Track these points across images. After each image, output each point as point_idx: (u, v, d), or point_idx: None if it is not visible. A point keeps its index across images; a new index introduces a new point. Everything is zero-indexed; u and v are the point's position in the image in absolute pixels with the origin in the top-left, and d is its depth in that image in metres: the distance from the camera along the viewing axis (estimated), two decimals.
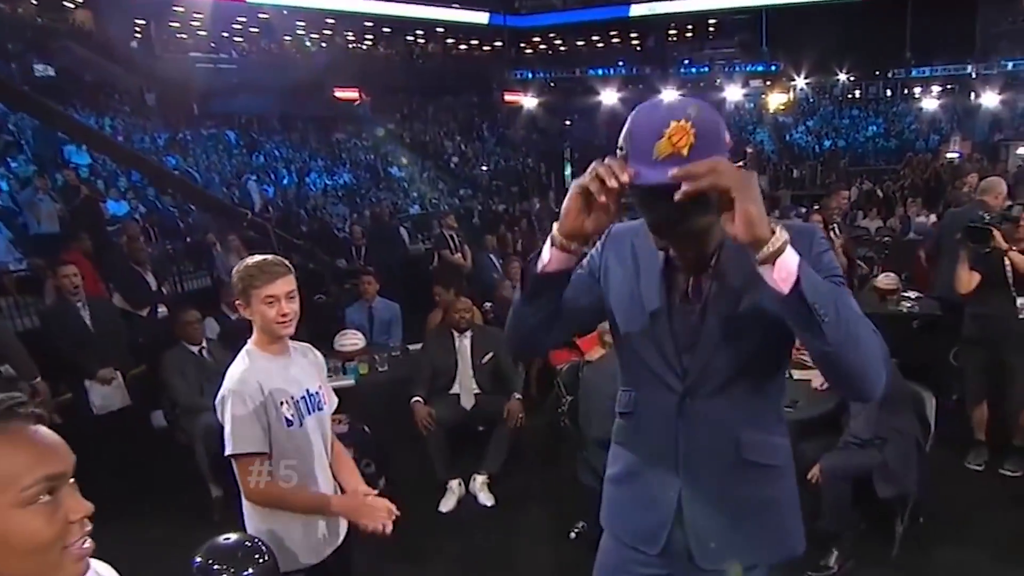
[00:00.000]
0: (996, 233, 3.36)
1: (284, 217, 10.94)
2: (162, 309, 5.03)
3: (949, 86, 22.69)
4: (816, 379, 3.42)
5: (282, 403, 1.78)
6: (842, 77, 25.23)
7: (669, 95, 1.14)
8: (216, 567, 1.25)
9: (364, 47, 32.20)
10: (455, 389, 3.78)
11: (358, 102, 27.51)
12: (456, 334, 3.80)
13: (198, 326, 3.96)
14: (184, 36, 28.56)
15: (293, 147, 22.15)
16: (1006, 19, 23.84)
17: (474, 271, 7.15)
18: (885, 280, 5.05)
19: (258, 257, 1.83)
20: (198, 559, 1.26)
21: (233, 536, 1.40)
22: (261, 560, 1.31)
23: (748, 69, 24.62)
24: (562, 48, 32.51)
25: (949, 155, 17.50)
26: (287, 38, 30.45)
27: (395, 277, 7.15)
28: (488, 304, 5.40)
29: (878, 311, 4.75)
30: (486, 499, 3.56)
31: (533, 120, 24.58)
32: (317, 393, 1.89)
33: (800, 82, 25.09)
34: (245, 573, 1.26)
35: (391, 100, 27.70)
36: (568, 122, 25.05)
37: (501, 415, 3.65)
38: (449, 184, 20.72)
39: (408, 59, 31.51)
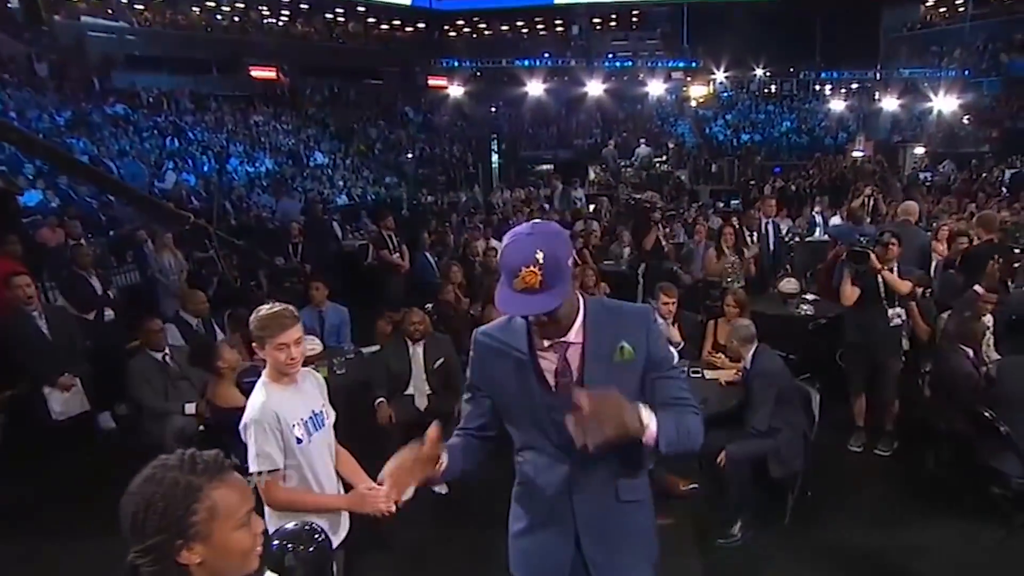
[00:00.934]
0: (872, 255, 4.01)
1: (210, 210, 10.68)
2: (108, 312, 5.03)
3: (856, 86, 24.56)
4: (723, 377, 3.99)
5: (294, 426, 2.09)
6: (759, 72, 26.70)
7: (524, 237, 1.52)
8: (290, 545, 1.57)
9: (280, 23, 30.91)
10: (410, 391, 4.12)
11: (276, 82, 26.41)
12: (410, 343, 4.13)
13: (161, 334, 4.08)
14: (77, 0, 26.45)
15: (208, 129, 20.99)
16: (904, 26, 26.10)
17: (413, 271, 7.37)
18: (787, 285, 5.70)
19: (273, 308, 2.11)
20: (275, 542, 1.58)
21: (292, 523, 1.73)
22: (319, 538, 1.65)
23: (670, 64, 25.64)
24: (487, 32, 32.49)
25: (855, 153, 19.14)
26: (195, 9, 28.83)
27: (331, 273, 7.28)
28: (429, 305, 5.68)
29: (779, 313, 5.42)
30: (440, 488, 3.93)
31: (459, 107, 24.61)
32: (320, 412, 2.21)
33: (720, 75, 26.33)
34: (311, 548, 1.60)
35: (310, 81, 26.78)
36: (494, 109, 25.24)
37: (451, 414, 4.02)
38: (374, 172, 20.45)
39: (328, 38, 30.53)
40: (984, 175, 14.31)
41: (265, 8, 29.95)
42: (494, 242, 8.56)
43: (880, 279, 3.99)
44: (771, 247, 6.74)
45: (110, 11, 26.64)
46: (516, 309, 1.56)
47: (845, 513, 3.76)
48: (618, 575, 1.77)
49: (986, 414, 3.33)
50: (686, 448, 1.64)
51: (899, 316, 4.03)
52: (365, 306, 5.91)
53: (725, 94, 25.67)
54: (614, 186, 14.81)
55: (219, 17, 29.81)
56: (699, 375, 4.03)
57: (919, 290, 4.55)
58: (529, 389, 1.70)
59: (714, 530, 3.51)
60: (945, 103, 19.07)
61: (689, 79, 25.29)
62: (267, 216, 11.22)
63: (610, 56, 26.93)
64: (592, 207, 12.46)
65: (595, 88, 23.25)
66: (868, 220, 7.79)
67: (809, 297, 5.72)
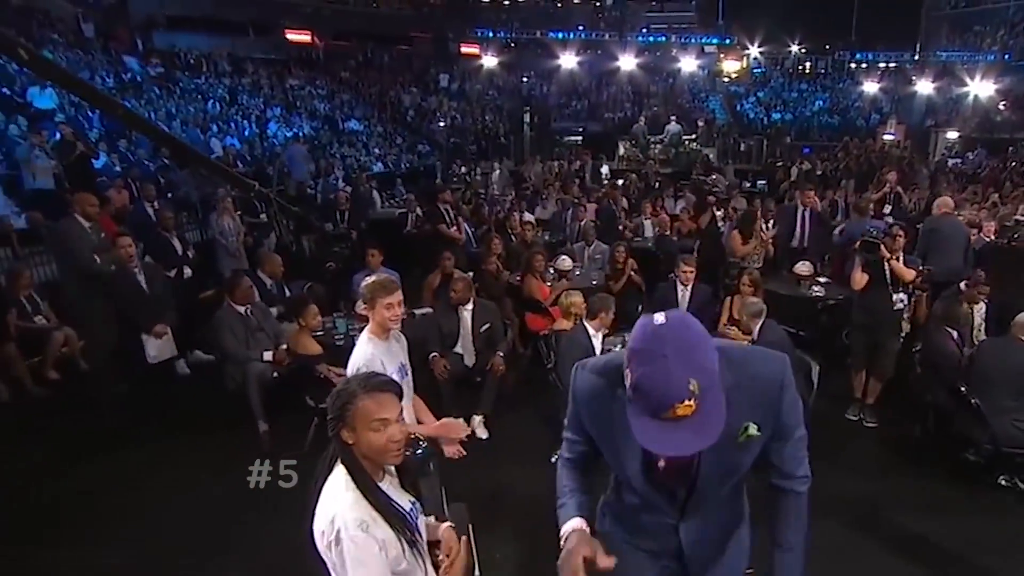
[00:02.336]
0: (882, 246, 4.45)
1: (255, 175, 11.28)
2: (187, 270, 5.68)
3: (892, 64, 24.20)
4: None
5: (392, 373, 2.66)
6: (794, 49, 26.39)
7: (667, 363, 1.23)
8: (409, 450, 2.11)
9: None
10: (458, 349, 4.73)
11: (311, 45, 26.68)
12: (461, 307, 4.73)
13: (251, 291, 4.71)
14: None
15: (246, 92, 21.49)
16: (948, 4, 25.53)
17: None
18: (801, 267, 6.15)
19: (380, 276, 2.68)
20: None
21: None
22: (423, 443, 2.21)
23: (703, 40, 25.47)
24: (521, 1, 32.33)
25: (886, 136, 19.07)
26: None
27: (375, 240, 7.85)
28: (471, 274, 6.24)
29: (793, 293, 5.89)
30: (482, 433, 4.56)
31: (491, 77, 24.79)
32: (406, 364, 2.81)
33: (754, 51, 26.09)
34: (418, 450, 2.13)
35: (345, 46, 27.00)
36: (526, 79, 25.40)
37: (491, 369, 4.64)
38: (407, 139, 20.88)
39: (362, 2, 30.64)
40: (1014, 163, 14.31)
41: None
42: (527, 215, 9.06)
43: (887, 267, 4.43)
44: (805, 236, 6.94)
45: None
46: (671, 448, 1.31)
47: (839, 470, 4.26)
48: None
49: (962, 388, 3.81)
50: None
51: (902, 300, 4.48)
52: (407, 272, 6.50)
53: (758, 70, 25.47)
54: (643, 161, 15.10)
55: None
56: None
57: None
58: (630, 463, 1.58)
59: None
60: (981, 88, 18.83)
61: (722, 55, 25.08)
62: (310, 184, 11.78)
63: (643, 30, 26.73)
64: (621, 182, 12.81)
65: (628, 62, 23.27)
66: (890, 209, 8.04)
67: (822, 280, 6.17)
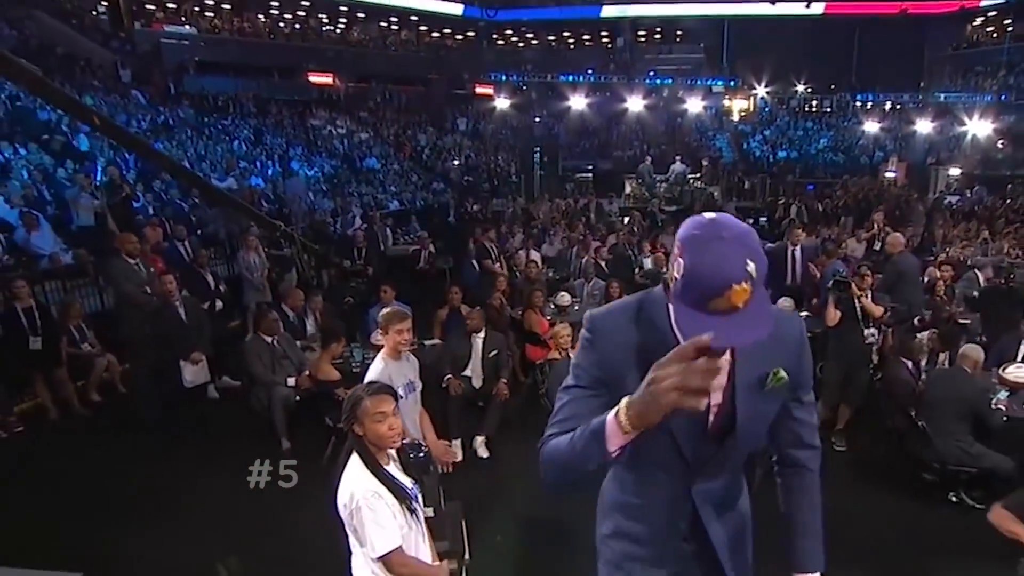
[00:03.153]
0: (853, 284, 4.93)
1: (280, 213, 11.99)
2: (219, 303, 6.28)
3: (895, 105, 24.92)
4: None
5: (398, 387, 3.18)
6: (800, 88, 27.24)
7: (723, 242, 1.18)
8: (410, 450, 2.60)
9: (338, 31, 32.42)
10: (467, 373, 5.28)
11: (332, 87, 27.84)
12: (474, 335, 5.32)
13: (277, 323, 5.27)
14: (153, 7, 28.35)
15: (269, 132, 22.47)
16: (950, 45, 26.29)
17: (461, 277, 8.47)
18: (784, 303, 6.56)
19: (394, 308, 3.23)
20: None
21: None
22: (425, 448, 2.72)
23: (709, 82, 26.35)
24: (535, 43, 33.57)
25: (887, 174, 19.64)
26: (260, 17, 30.54)
27: (389, 275, 8.42)
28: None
29: None
30: (484, 453, 5.04)
31: (504, 117, 25.73)
32: (413, 382, 3.33)
33: (761, 90, 26.96)
34: (421, 453, 2.65)
35: (365, 87, 28.09)
36: (537, 119, 26.32)
37: (494, 393, 5.15)
38: (422, 177, 21.67)
39: (382, 46, 31.85)
40: (1008, 200, 14.70)
41: (325, 16, 31.54)
42: (534, 253, 9.59)
43: (858, 304, 4.89)
44: (797, 274, 7.41)
45: (183, 19, 28.57)
46: (728, 338, 1.17)
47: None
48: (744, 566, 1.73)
49: (912, 414, 4.23)
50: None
51: (872, 335, 4.93)
52: (418, 305, 7.05)
53: (765, 109, 26.21)
54: (648, 199, 15.68)
55: (282, 24, 31.50)
56: None
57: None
58: None
59: None
60: (980, 127, 19.35)
61: (729, 95, 25.91)
62: (328, 221, 12.47)
63: (651, 73, 27.68)
64: (626, 219, 13.36)
65: (635, 104, 24.11)
66: (880, 247, 8.42)
67: (802, 314, 6.59)
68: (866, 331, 4.90)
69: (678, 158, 18.14)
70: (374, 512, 2.16)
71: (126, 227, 7.98)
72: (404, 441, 2.47)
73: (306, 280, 7.76)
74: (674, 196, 16.35)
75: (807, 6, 24.25)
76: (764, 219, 14.27)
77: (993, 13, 24.75)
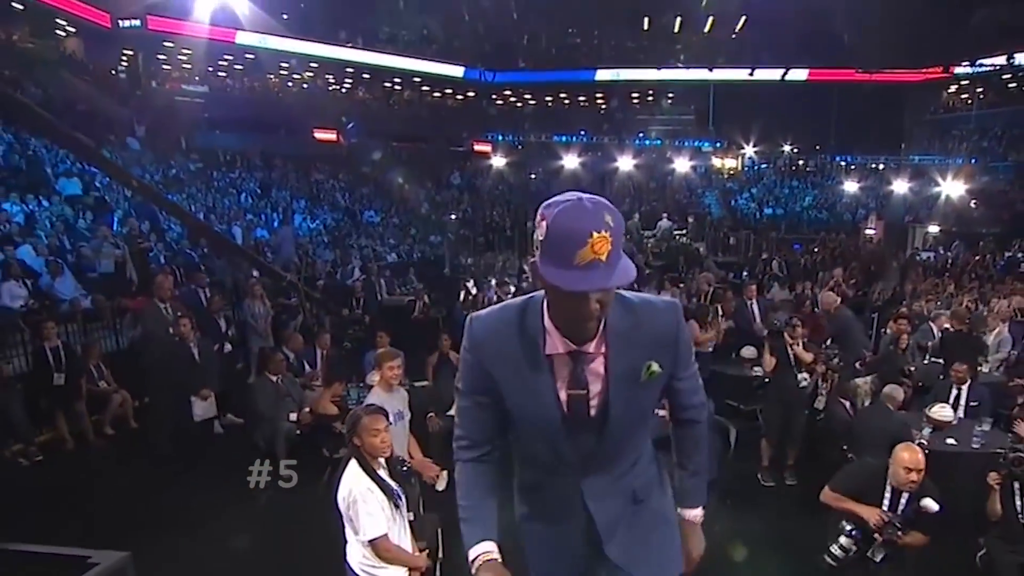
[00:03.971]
0: (786, 334, 5.52)
1: (283, 264, 12.63)
2: (228, 346, 6.85)
3: (875, 166, 26.27)
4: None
5: (388, 416, 3.74)
6: (786, 149, 28.57)
7: (582, 202, 1.33)
8: (397, 465, 3.15)
9: (344, 90, 33.80)
10: (451, 413, 5.79)
11: (336, 144, 28.99)
12: None
13: (282, 363, 5.84)
14: (169, 68, 29.77)
15: (275, 186, 23.39)
16: (928, 109, 27.74)
17: (451, 326, 9.03)
18: (747, 351, 7.15)
19: (387, 348, 3.83)
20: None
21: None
22: (408, 465, 3.26)
23: (696, 144, 27.64)
24: (532, 103, 35.12)
25: (867, 231, 20.56)
26: (271, 77, 32.00)
27: (384, 323, 8.98)
28: None
29: (737, 373, 6.89)
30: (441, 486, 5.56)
31: (500, 174, 26.82)
32: (402, 411, 3.89)
33: (749, 150, 28.26)
34: (405, 467, 3.19)
35: (367, 143, 29.22)
36: (533, 176, 27.43)
37: None
38: (420, 230, 22.48)
39: (385, 104, 33.14)
40: (978, 257, 15.43)
41: (331, 76, 33.02)
42: None
43: (791, 351, 5.47)
44: (753, 323, 8.09)
45: (197, 78, 29.96)
46: (593, 283, 1.31)
47: (754, 512, 5.16)
48: (649, 570, 1.73)
49: (843, 447, 4.76)
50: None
51: (805, 379, 5.47)
52: (411, 351, 7.62)
53: (752, 168, 27.39)
54: (635, 254, 16.41)
55: (290, 84, 33.00)
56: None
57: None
58: (542, 398, 1.56)
59: None
60: (953, 187, 20.37)
61: (718, 154, 27.15)
62: (329, 271, 13.13)
63: (640, 134, 29.01)
64: None
65: (626, 163, 25.26)
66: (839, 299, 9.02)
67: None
68: (799, 376, 5.44)
69: (665, 215, 18.99)
70: (367, 504, 2.71)
71: (143, 275, 8.65)
72: (400, 460, 3.05)
73: (308, 326, 8.34)
74: (660, 251, 17.09)
75: (782, 78, 25.72)
76: (746, 274, 14.92)
77: (966, 81, 26.23)
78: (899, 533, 3.40)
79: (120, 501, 5.30)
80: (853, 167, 26.32)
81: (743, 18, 30.38)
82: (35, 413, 6.39)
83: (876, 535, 3.43)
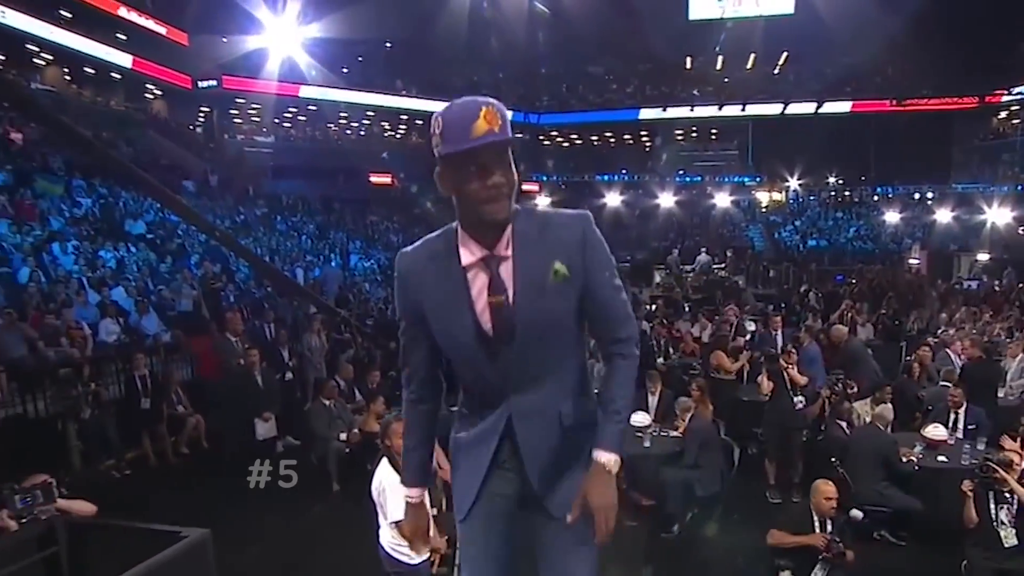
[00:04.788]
0: (781, 359, 5.97)
1: (338, 301, 13.66)
2: (288, 375, 7.75)
3: (920, 196, 25.97)
4: (678, 432, 5.95)
5: None
6: (832, 180, 28.52)
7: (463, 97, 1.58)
8: None
9: (398, 136, 35.62)
10: None
11: (391, 187, 30.55)
12: None
13: (335, 390, 6.66)
14: (240, 121, 32.24)
15: (332, 228, 24.85)
16: (977, 136, 27.27)
17: None
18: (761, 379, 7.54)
19: None
20: None
21: None
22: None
23: (735, 179, 27.94)
24: (578, 142, 36.16)
25: (911, 260, 20.32)
26: (331, 126, 34.13)
27: None
28: None
29: (752, 398, 7.26)
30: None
31: None
32: None
33: (793, 183, 28.35)
34: None
35: (420, 186, 30.58)
36: None
37: None
38: None
39: None
40: (1021, 285, 15.11)
41: (387, 123, 34.95)
42: None
43: (786, 375, 5.90)
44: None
45: (264, 129, 32.31)
46: (483, 140, 1.47)
47: (760, 527, 5.52)
48: (567, 506, 1.68)
49: (837, 464, 5.16)
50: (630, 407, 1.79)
51: (800, 401, 5.88)
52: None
53: (796, 201, 27.40)
54: (674, 288, 16.82)
55: (348, 132, 35.08)
56: (666, 434, 6.00)
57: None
58: (460, 312, 1.63)
59: (660, 528, 5.46)
60: (999, 215, 19.99)
61: (760, 190, 27.33)
62: (380, 307, 14.06)
63: (680, 171, 29.51)
64: (652, 307, 14.48)
65: (667, 200, 25.77)
66: (847, 330, 9.31)
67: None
68: (795, 398, 5.85)
69: (703, 250, 19.34)
70: (394, 494, 3.37)
71: (215, 313, 9.73)
72: None
73: (359, 358, 9.17)
74: (699, 285, 17.42)
75: (815, 112, 25.84)
76: (783, 305, 15.07)
77: (1016, 107, 25.73)
78: (842, 546, 3.99)
79: (193, 511, 6.13)
80: (897, 197, 26.08)
81: (784, 54, 30.84)
82: (125, 433, 7.37)
83: (825, 554, 3.98)
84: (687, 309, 14.18)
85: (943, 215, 21.33)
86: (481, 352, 1.66)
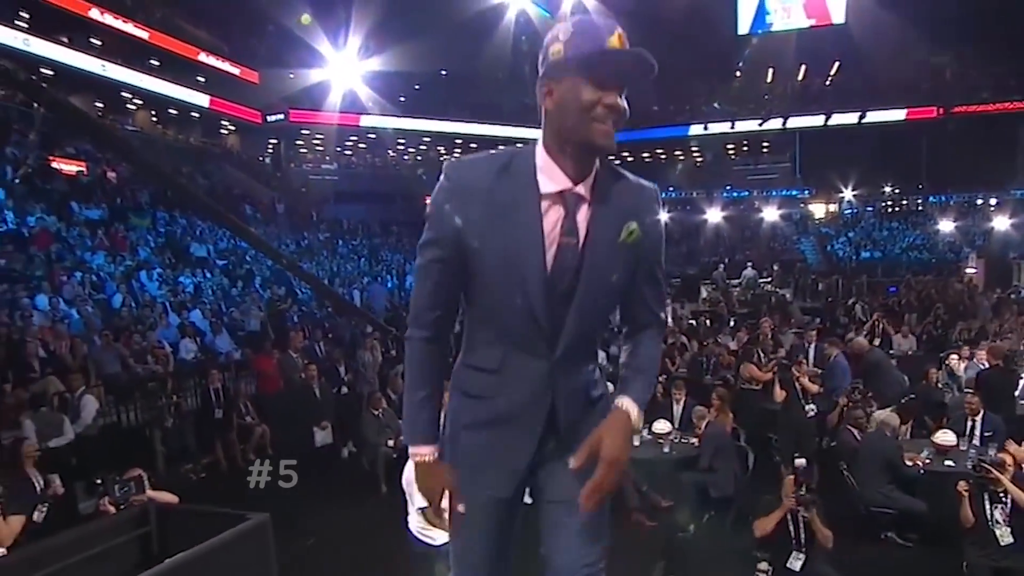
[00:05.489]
0: (793, 368, 6.29)
1: (392, 319, 14.49)
2: (344, 388, 8.55)
3: (975, 203, 25.08)
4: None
5: None
6: (887, 190, 27.85)
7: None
8: None
9: (454, 159, 36.73)
10: None
11: None
12: None
13: (381, 400, 7.37)
14: (305, 151, 34.20)
15: (390, 249, 26.03)
16: None
17: None
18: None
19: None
20: None
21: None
22: None
23: (783, 193, 27.66)
24: (630, 160, 36.43)
25: (968, 270, 19.69)
26: (390, 152, 35.69)
27: None
28: None
29: (771, 406, 7.52)
30: None
31: None
32: None
33: (848, 194, 27.84)
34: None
35: None
36: None
37: None
38: None
39: None
40: None
41: (442, 147, 36.22)
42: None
43: (798, 384, 6.21)
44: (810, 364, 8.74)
45: (327, 158, 34.14)
46: (633, 55, 1.39)
47: None
48: (582, 480, 1.49)
49: (843, 470, 5.44)
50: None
51: (812, 409, 6.16)
52: None
53: (849, 212, 26.87)
54: (720, 303, 16.95)
55: (406, 157, 36.57)
56: (686, 441, 6.38)
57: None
58: (527, 244, 1.45)
59: (674, 528, 5.84)
60: None
61: (812, 202, 26.95)
62: None
63: (728, 187, 29.40)
64: (693, 322, 14.70)
65: (714, 215, 25.80)
66: (879, 342, 9.40)
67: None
68: (807, 406, 6.13)
69: (749, 264, 19.36)
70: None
71: (279, 332, 10.68)
72: None
73: None
74: (746, 299, 17.48)
75: (859, 121, 25.34)
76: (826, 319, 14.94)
77: None
78: (811, 499, 4.38)
79: (259, 507, 6.91)
80: (952, 205, 25.27)
81: (836, 64, 30.40)
82: (200, 440, 8.29)
83: (799, 508, 4.39)
84: (732, 324, 14.33)
85: (1001, 222, 20.56)
86: (539, 298, 1.47)
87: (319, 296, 14.35)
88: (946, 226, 22.86)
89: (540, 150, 1.50)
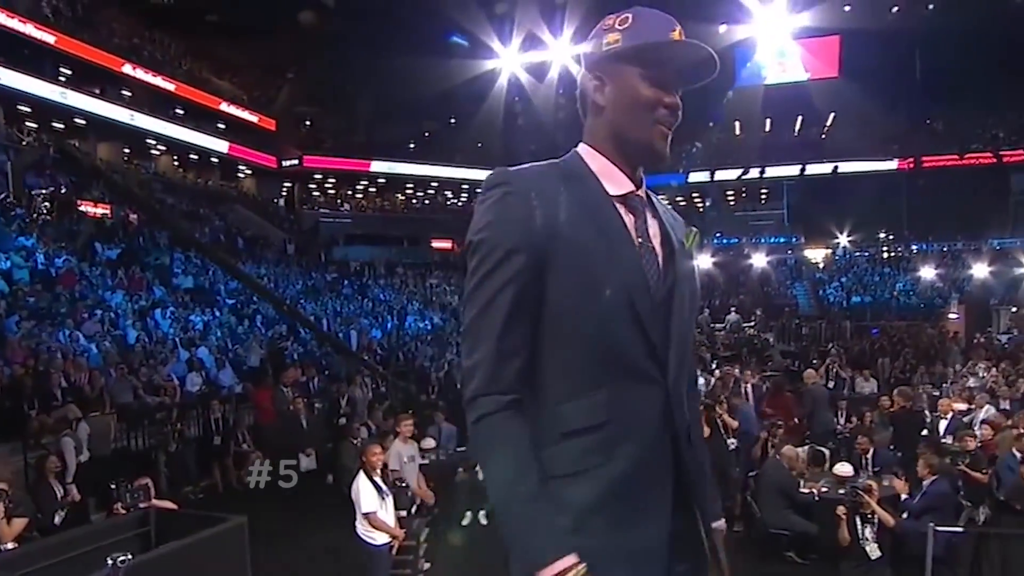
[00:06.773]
0: (716, 407, 7.11)
1: (386, 359, 15.42)
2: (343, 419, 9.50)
3: (958, 248, 25.94)
4: None
5: (404, 457, 5.93)
6: (881, 236, 28.72)
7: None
8: (396, 481, 5.32)
9: (460, 203, 38.05)
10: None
11: (451, 252, 32.75)
12: None
13: (359, 430, 8.27)
14: (317, 194, 35.64)
15: (394, 290, 26.92)
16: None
17: None
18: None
19: (405, 414, 6.11)
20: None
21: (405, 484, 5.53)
22: (406, 483, 5.42)
23: (772, 241, 28.59)
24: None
25: (950, 316, 20.40)
26: (397, 196, 37.08)
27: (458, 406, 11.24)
28: None
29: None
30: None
31: None
32: (414, 456, 6.09)
33: (843, 239, 28.71)
34: (404, 484, 5.35)
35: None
36: None
37: None
38: None
39: None
40: None
41: (449, 191, 37.57)
42: None
43: (719, 421, 7.01)
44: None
45: (338, 201, 35.54)
46: (703, 50, 1.26)
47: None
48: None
49: (748, 495, 6.21)
50: None
51: (732, 443, 6.95)
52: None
53: (842, 257, 27.69)
54: (706, 345, 17.73)
55: (414, 201, 37.91)
56: None
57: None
58: (620, 251, 1.22)
59: None
60: None
61: (805, 248, 27.83)
62: (427, 365, 15.71)
63: (718, 235, 30.34)
64: None
65: (705, 262, 26.69)
66: (833, 384, 10.19)
67: None
68: (728, 440, 6.92)
69: (733, 308, 20.15)
70: (364, 492, 4.86)
71: (277, 368, 11.65)
72: (397, 478, 5.22)
73: (393, 406, 10.79)
74: (731, 342, 18.22)
75: (833, 172, 26.19)
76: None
77: None
78: None
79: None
80: (934, 252, 26.18)
81: (832, 115, 31.59)
82: (201, 464, 9.18)
83: None
84: (714, 367, 15.07)
85: (979, 270, 21.39)
86: (646, 306, 1.22)
87: (318, 338, 15.35)
88: (931, 272, 23.68)
89: (589, 153, 1.34)
